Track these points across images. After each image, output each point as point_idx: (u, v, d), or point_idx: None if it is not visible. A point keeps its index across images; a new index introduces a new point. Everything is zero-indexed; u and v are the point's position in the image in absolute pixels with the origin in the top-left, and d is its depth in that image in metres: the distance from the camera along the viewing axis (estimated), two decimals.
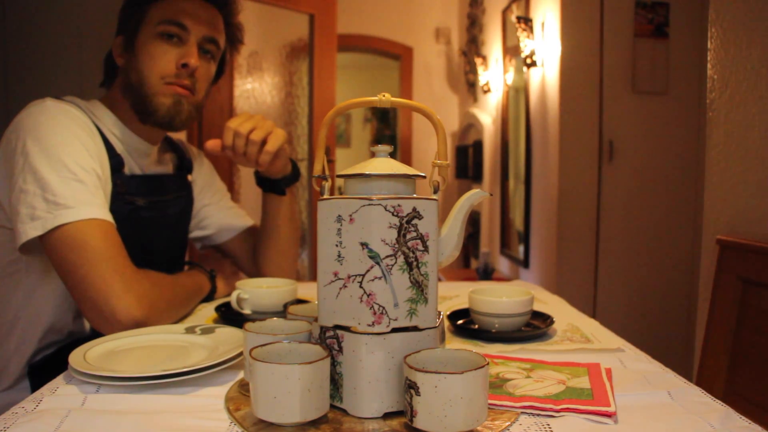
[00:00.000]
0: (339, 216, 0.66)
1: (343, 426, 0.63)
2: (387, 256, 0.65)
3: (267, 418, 0.61)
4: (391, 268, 0.65)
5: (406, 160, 5.25)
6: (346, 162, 7.23)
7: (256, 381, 0.61)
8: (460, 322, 1.03)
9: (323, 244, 0.68)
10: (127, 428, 0.63)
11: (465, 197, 0.71)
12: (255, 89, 3.26)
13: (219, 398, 0.71)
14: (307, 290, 1.27)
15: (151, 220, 1.15)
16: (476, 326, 1.00)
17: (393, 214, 0.65)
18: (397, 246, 0.65)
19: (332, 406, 0.67)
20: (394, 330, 0.65)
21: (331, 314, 0.67)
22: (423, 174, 0.72)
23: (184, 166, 1.30)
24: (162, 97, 1.11)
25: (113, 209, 1.04)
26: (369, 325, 0.65)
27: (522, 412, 0.67)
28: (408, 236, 0.65)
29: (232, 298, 1.05)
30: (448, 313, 1.04)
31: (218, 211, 1.38)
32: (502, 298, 0.98)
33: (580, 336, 0.98)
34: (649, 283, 2.76)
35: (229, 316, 1.06)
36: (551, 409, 0.66)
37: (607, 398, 0.69)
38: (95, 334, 0.97)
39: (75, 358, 0.78)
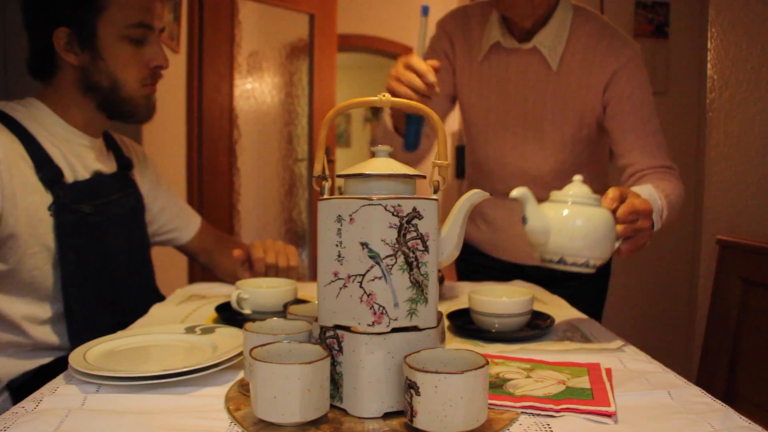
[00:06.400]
0: (339, 216, 0.66)
1: (343, 426, 0.63)
2: (387, 256, 0.65)
3: (267, 418, 0.61)
4: (391, 268, 0.65)
5: None
6: (346, 162, 7.23)
7: (256, 381, 0.61)
8: (460, 322, 1.03)
9: (323, 244, 0.68)
10: (127, 428, 0.63)
11: (465, 197, 0.71)
12: (255, 89, 3.26)
13: (219, 398, 0.71)
14: (307, 290, 1.27)
15: (100, 224, 1.12)
16: (476, 326, 1.00)
17: (393, 214, 0.65)
18: (397, 246, 0.65)
19: (332, 406, 0.67)
20: (394, 330, 0.65)
21: (331, 314, 0.67)
22: (423, 174, 0.72)
23: (124, 164, 1.26)
24: (139, 99, 1.12)
25: (59, 222, 1.01)
26: (369, 325, 0.65)
27: (522, 412, 0.67)
28: (408, 236, 0.65)
29: (232, 298, 1.05)
30: (447, 313, 1.04)
31: (178, 212, 1.39)
32: (502, 298, 0.98)
33: (580, 336, 0.98)
34: (649, 283, 2.76)
35: (229, 316, 1.06)
36: (551, 409, 0.66)
37: (607, 398, 0.69)
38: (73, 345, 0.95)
39: (75, 358, 0.78)
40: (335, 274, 0.67)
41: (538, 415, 0.66)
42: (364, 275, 0.65)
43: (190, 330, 0.93)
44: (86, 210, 1.09)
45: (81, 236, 1.05)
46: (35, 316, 1.06)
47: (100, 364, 0.77)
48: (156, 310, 1.14)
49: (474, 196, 0.71)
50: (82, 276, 1.07)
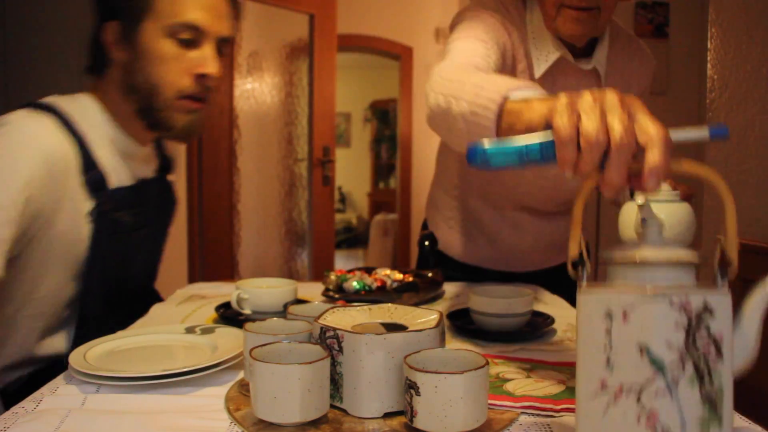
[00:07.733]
0: (609, 312, 0.53)
1: (343, 426, 0.63)
2: (673, 364, 0.51)
3: (267, 418, 0.61)
4: (678, 380, 0.51)
5: (406, 160, 5.25)
6: (346, 161, 7.22)
7: (256, 381, 0.61)
8: (459, 322, 1.03)
9: (587, 346, 0.55)
10: (127, 428, 0.63)
11: (760, 288, 0.58)
12: (255, 89, 3.25)
13: (219, 398, 0.71)
14: (307, 290, 1.27)
15: (132, 233, 1.07)
16: (476, 326, 1.00)
17: (680, 311, 0.52)
18: (685, 351, 0.52)
19: (332, 406, 0.67)
20: (390, 330, 0.65)
21: None
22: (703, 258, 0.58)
23: (165, 166, 1.20)
24: (177, 114, 1.01)
25: (96, 229, 0.97)
26: None
27: (522, 412, 0.67)
28: (698, 339, 0.52)
29: (232, 298, 1.05)
30: (447, 313, 1.04)
31: None
32: (502, 298, 0.98)
33: None
34: None
35: (229, 316, 1.06)
36: (551, 409, 0.66)
37: None
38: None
39: (75, 358, 0.78)
40: (603, 384, 0.53)
41: (538, 415, 0.66)
42: (643, 389, 0.52)
43: (190, 330, 0.93)
44: (125, 219, 1.03)
45: (111, 247, 1.01)
46: (40, 326, 1.01)
47: (100, 364, 0.77)
48: (156, 310, 1.14)
49: None
50: (100, 284, 1.03)
